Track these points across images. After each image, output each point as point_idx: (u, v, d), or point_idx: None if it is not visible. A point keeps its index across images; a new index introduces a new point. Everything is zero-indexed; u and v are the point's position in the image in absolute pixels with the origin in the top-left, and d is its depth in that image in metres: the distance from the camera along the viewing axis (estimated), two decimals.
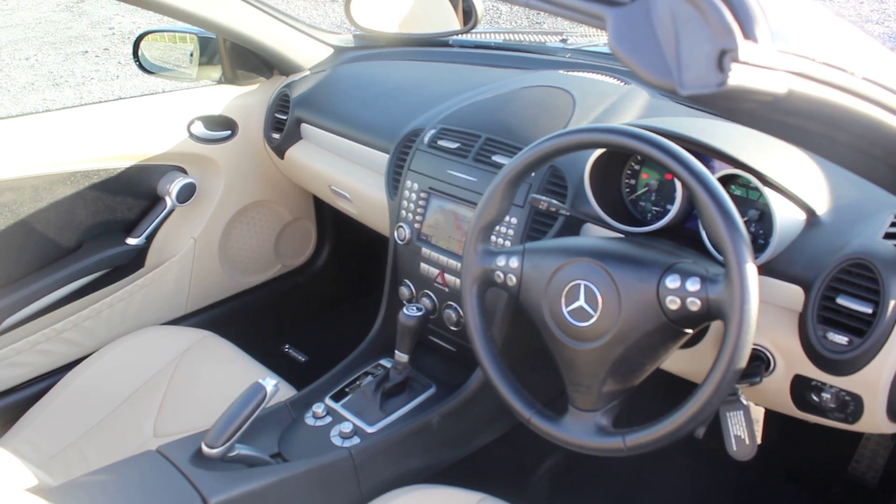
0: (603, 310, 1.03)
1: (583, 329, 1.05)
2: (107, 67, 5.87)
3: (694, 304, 0.97)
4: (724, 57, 0.53)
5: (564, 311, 1.06)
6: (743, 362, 0.94)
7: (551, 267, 1.08)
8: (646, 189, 1.31)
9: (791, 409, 1.21)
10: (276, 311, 2.30)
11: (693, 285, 0.97)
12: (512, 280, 1.13)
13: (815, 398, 1.15)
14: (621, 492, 1.77)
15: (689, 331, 1.02)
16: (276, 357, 2.22)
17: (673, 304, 0.98)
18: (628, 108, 1.46)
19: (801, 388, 1.16)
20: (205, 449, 1.23)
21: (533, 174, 1.38)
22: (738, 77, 0.54)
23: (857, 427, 1.15)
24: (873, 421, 1.11)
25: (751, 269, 0.92)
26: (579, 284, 1.05)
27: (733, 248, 0.92)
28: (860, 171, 0.83)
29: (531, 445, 1.71)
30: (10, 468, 1.04)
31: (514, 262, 1.13)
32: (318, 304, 2.40)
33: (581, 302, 1.05)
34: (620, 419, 1.09)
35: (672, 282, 0.98)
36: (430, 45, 2.02)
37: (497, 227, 1.39)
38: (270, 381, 1.25)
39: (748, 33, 0.54)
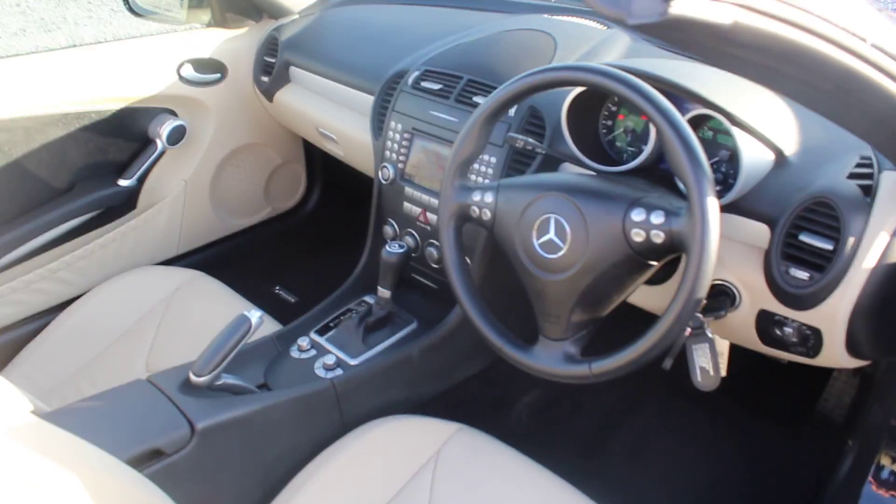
0: (571, 242, 1.07)
1: (552, 261, 1.09)
2: (99, 13, 5.81)
3: (657, 237, 1.01)
4: None
5: (535, 243, 1.10)
6: (703, 293, 0.98)
7: (523, 201, 1.12)
8: (622, 130, 1.34)
9: (756, 344, 1.25)
10: (266, 253, 2.34)
11: (657, 218, 1.01)
12: (487, 215, 1.17)
13: (778, 332, 1.19)
14: (597, 430, 1.83)
15: (654, 263, 1.06)
16: (266, 298, 2.27)
17: (638, 236, 1.02)
18: (609, 51, 1.48)
19: (766, 323, 1.20)
20: (192, 378, 1.28)
21: (512, 114, 1.40)
22: (680, 7, 0.57)
23: (817, 361, 1.20)
24: (833, 355, 1.16)
25: (711, 202, 0.96)
26: (549, 218, 1.08)
27: (695, 182, 0.96)
28: (813, 107, 0.87)
29: (511, 382, 1.76)
30: (8, 396, 1.09)
31: (489, 197, 1.16)
32: (309, 246, 2.43)
33: (551, 235, 1.08)
34: (591, 350, 1.14)
35: (637, 215, 1.02)
36: None
37: (477, 166, 1.43)
38: (255, 314, 1.29)
39: None
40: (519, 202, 1.12)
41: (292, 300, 2.28)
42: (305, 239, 2.44)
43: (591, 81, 1.04)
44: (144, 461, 1.16)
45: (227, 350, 1.27)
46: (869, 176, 1.10)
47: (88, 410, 1.23)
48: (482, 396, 1.70)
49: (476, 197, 1.18)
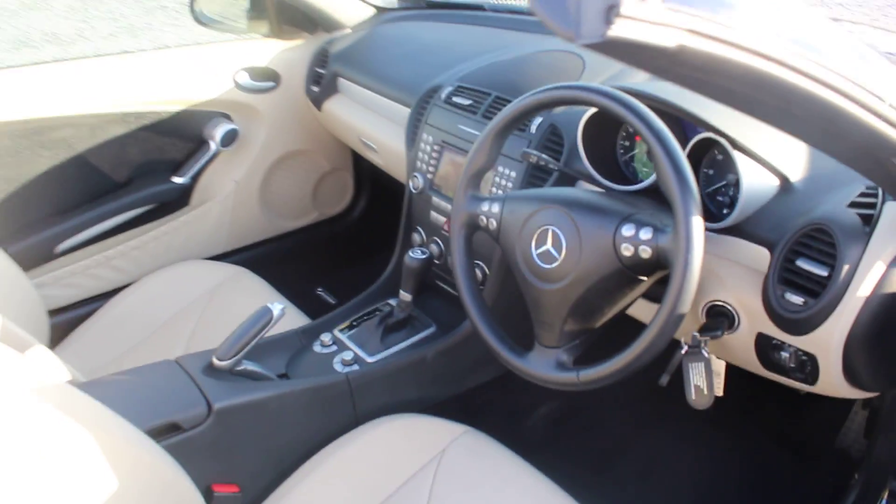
0: (566, 253, 1.12)
1: (548, 270, 1.14)
2: (183, 21, 6.08)
3: (645, 252, 1.05)
4: (609, 11, 0.62)
5: (534, 253, 1.15)
6: (685, 308, 1.02)
7: (526, 213, 1.17)
8: (641, 150, 1.38)
9: (758, 368, 1.27)
10: (311, 255, 2.44)
11: (646, 234, 1.05)
12: (493, 224, 1.23)
13: (776, 357, 1.21)
14: (611, 446, 1.85)
15: (644, 278, 1.10)
16: (307, 298, 2.35)
17: (627, 251, 1.06)
18: (633, 75, 1.53)
19: (765, 347, 1.22)
20: (215, 361, 1.37)
21: (534, 131, 1.46)
22: (622, 30, 0.62)
23: (818, 389, 1.21)
24: (830, 382, 1.17)
25: (697, 221, 1.00)
26: (548, 229, 1.14)
27: (681, 201, 1.00)
28: (792, 133, 0.90)
29: (528, 391, 1.80)
30: (51, 365, 1.19)
31: (496, 208, 1.22)
32: (353, 251, 2.52)
33: (548, 246, 1.14)
34: (585, 360, 1.18)
35: (627, 230, 1.06)
36: (465, 9, 2.11)
37: (497, 180, 1.49)
38: (277, 306, 1.38)
39: None
40: (521, 213, 1.18)
41: (332, 302, 2.37)
42: (350, 244, 2.52)
43: (590, 100, 1.10)
44: (163, 433, 1.25)
45: (248, 338, 1.35)
46: (871, 206, 1.11)
47: (116, 383, 1.33)
48: (498, 403, 1.75)
49: (484, 207, 1.24)
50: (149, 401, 1.30)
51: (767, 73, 0.72)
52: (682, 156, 1.02)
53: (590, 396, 1.91)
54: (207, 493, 1.33)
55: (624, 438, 1.86)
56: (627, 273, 1.09)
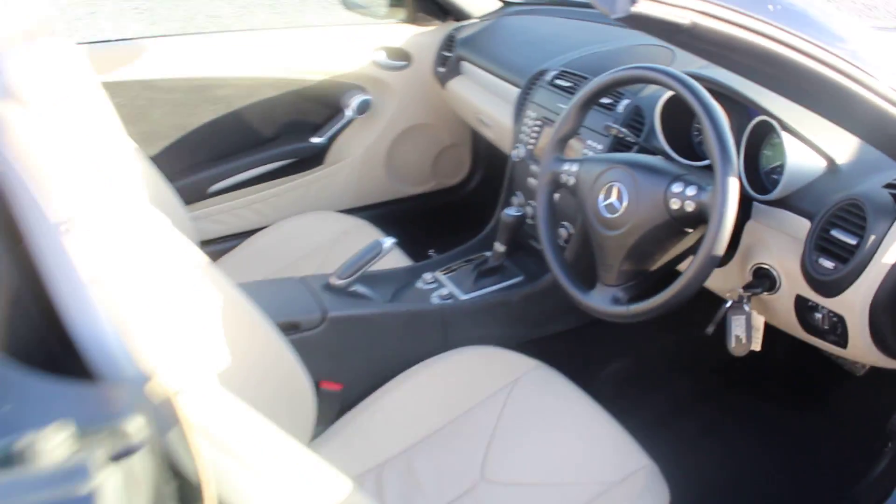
0: (626, 205, 1.33)
1: (611, 219, 1.36)
2: (336, 14, 6.52)
3: (689, 206, 1.25)
4: None
5: (601, 204, 1.38)
6: (719, 252, 1.21)
7: (597, 171, 1.39)
8: None
9: (797, 330, 1.43)
10: (425, 220, 2.71)
11: (691, 191, 1.25)
12: (571, 181, 1.45)
13: (812, 318, 1.38)
14: (674, 408, 2.01)
15: (689, 230, 1.31)
16: (418, 258, 2.63)
17: (674, 204, 1.27)
18: (714, 69, 1.71)
19: (802, 308, 1.38)
20: (332, 280, 1.66)
21: (621, 110, 1.67)
22: (643, 7, 0.85)
23: (849, 353, 1.36)
24: (860, 346, 1.31)
25: (732, 181, 1.19)
26: (613, 185, 1.36)
27: (720, 163, 1.20)
28: (812, 109, 1.09)
29: (601, 345, 2.01)
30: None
31: (574, 167, 1.45)
32: (464, 221, 2.77)
33: (612, 198, 1.36)
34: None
35: (676, 187, 1.27)
36: (578, 6, 2.33)
37: (585, 151, 1.71)
38: (388, 240, 1.66)
39: None
40: (594, 171, 1.40)
41: None
42: (462, 214, 2.77)
43: (655, 78, 1.31)
44: (287, 330, 1.54)
45: (361, 263, 1.64)
46: None
47: (255, 286, 1.64)
48: (572, 353, 1.95)
49: (566, 167, 1.47)
50: (278, 303, 1.59)
51: (768, 49, 0.93)
52: (724, 126, 1.21)
53: (658, 359, 2.10)
54: (315, 387, 1.62)
55: (686, 402, 2.03)
56: (675, 224, 1.29)
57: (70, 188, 0.80)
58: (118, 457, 0.67)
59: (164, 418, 0.74)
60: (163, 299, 0.80)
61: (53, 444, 0.64)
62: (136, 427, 0.69)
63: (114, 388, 0.75)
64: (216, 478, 0.80)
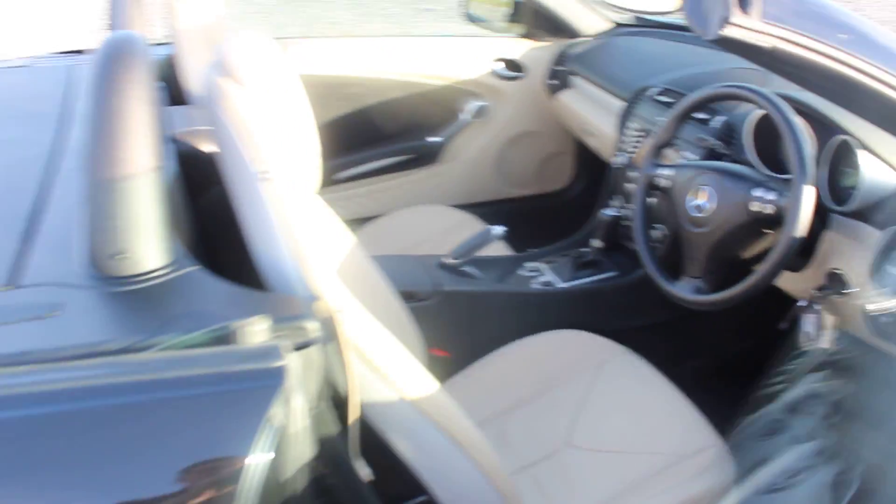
0: (713, 206, 1.51)
1: (698, 218, 1.54)
2: (449, 25, 6.81)
3: (768, 209, 1.42)
4: (723, 20, 1.04)
5: (690, 204, 1.55)
6: (791, 251, 1.37)
7: (689, 175, 1.58)
8: None
9: (865, 333, 1.57)
10: (529, 221, 2.87)
11: (770, 196, 1.42)
12: (667, 183, 1.64)
13: (880, 322, 1.51)
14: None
15: (767, 231, 1.47)
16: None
17: (754, 206, 1.44)
18: (805, 92, 1.85)
19: (870, 312, 1.52)
20: (445, 260, 1.88)
21: (717, 126, 1.84)
22: (731, 32, 1.04)
23: None
24: None
25: (808, 189, 1.35)
26: (702, 188, 1.53)
27: (799, 173, 1.36)
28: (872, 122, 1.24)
29: (686, 341, 2.15)
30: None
31: (670, 172, 1.64)
32: (564, 227, 2.96)
33: (701, 200, 1.53)
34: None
35: (758, 192, 1.44)
36: (686, 30, 2.50)
37: (679, 160, 1.88)
38: (499, 228, 1.87)
39: (744, 8, 1.04)
40: (687, 175, 1.59)
41: None
42: (562, 219, 2.94)
43: (744, 95, 1.49)
44: (406, 298, 1.76)
45: (472, 246, 1.86)
46: None
47: (375, 258, 1.87)
48: (656, 346, 2.07)
49: (661, 171, 1.66)
50: (397, 275, 1.82)
51: (839, 72, 1.10)
52: (803, 137, 1.38)
53: (736, 361, 2.21)
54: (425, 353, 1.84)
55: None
56: (754, 225, 1.46)
57: (269, 148, 1.04)
58: (300, 347, 0.91)
59: (326, 332, 0.97)
60: (327, 238, 1.03)
61: (256, 330, 0.88)
62: (312, 328, 0.92)
63: (292, 300, 0.99)
64: (361, 388, 1.02)
